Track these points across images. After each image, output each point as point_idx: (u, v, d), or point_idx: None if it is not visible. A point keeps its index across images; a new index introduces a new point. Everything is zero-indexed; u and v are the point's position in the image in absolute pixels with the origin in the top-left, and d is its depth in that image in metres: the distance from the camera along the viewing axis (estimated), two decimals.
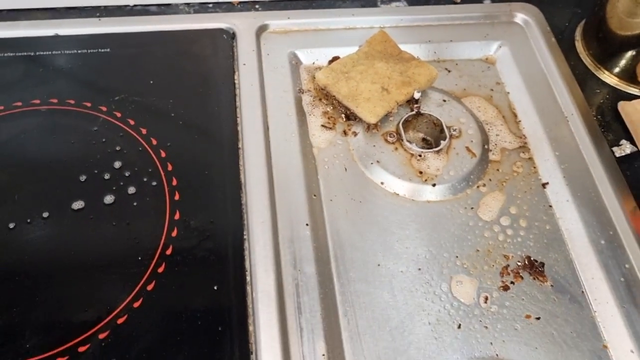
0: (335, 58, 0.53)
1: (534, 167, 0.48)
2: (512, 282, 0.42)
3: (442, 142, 0.48)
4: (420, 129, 0.51)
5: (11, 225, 0.41)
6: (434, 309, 0.41)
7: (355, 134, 0.49)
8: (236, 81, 0.50)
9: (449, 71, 0.54)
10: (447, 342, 0.39)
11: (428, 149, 0.48)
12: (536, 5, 0.57)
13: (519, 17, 0.57)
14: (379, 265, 0.43)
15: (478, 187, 0.47)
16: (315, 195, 0.45)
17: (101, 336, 0.37)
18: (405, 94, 0.49)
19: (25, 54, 0.50)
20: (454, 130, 0.49)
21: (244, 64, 0.51)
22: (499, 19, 0.57)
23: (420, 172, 0.47)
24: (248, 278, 0.40)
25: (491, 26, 0.56)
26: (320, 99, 0.51)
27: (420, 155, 0.47)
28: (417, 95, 0.50)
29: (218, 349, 0.37)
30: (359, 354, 0.39)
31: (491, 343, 0.40)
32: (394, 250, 0.43)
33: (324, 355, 0.38)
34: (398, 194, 0.46)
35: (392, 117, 0.50)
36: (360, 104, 0.48)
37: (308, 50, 0.54)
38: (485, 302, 0.41)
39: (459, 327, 0.40)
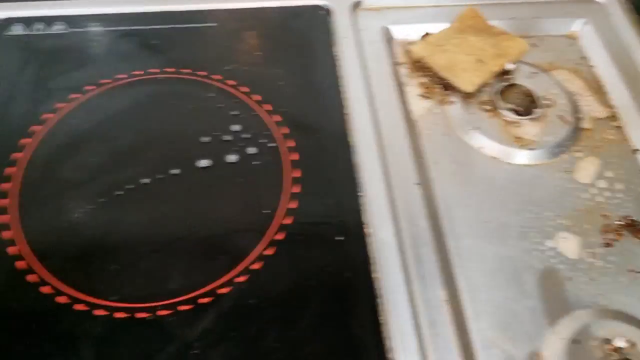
0: (427, 34, 0.56)
1: (625, 135, 0.50)
2: (614, 239, 0.44)
3: (535, 110, 0.50)
4: (511, 100, 0.53)
5: (145, 181, 0.44)
6: (542, 262, 0.43)
7: (451, 103, 0.51)
8: (336, 53, 0.53)
9: (535, 46, 0.56)
10: (556, 293, 0.41)
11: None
12: None
13: None
14: (485, 222, 0.45)
15: (573, 152, 0.49)
16: (421, 158, 0.48)
17: (239, 280, 0.40)
18: (499, 65, 0.52)
19: (138, 27, 0.53)
20: (546, 100, 0.51)
21: (344, 37, 0.54)
22: None
23: (517, 138, 0.49)
24: (367, 230, 0.43)
25: (574, 4, 0.59)
26: (415, 71, 0.54)
27: (516, 123, 0.50)
28: (510, 67, 0.52)
29: (347, 294, 0.39)
30: (477, 302, 0.41)
31: (600, 294, 0.42)
32: (498, 209, 0.45)
33: (446, 301, 0.40)
34: (497, 158, 0.49)
35: (487, 88, 0.52)
36: (457, 74, 0.51)
37: (400, 26, 0.56)
38: (591, 258, 0.44)
39: (568, 279, 0.42)
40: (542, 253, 0.43)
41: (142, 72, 0.51)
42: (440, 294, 0.41)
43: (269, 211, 0.43)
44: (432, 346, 0.38)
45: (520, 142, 0.49)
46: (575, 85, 0.54)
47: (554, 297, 0.41)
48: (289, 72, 0.51)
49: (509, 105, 0.53)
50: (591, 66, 0.56)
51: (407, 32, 0.56)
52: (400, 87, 0.52)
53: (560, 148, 0.49)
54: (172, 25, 0.54)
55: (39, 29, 0.53)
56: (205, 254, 0.41)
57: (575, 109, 0.51)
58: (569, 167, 0.48)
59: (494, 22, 0.56)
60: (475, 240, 0.44)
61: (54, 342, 0.37)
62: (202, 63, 0.51)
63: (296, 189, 0.44)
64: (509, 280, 0.42)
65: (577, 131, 0.50)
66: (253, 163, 0.45)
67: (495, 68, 0.51)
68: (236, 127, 0.47)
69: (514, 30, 0.57)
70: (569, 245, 0.44)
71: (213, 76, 0.50)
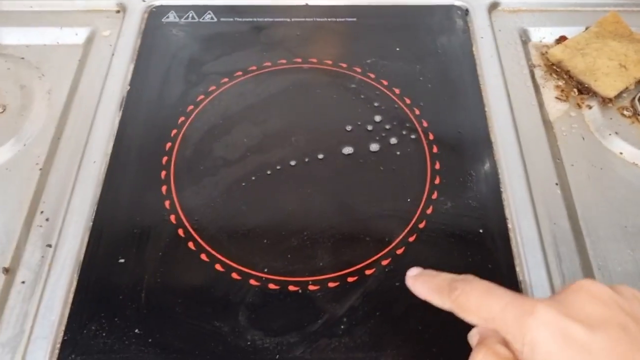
0: (563, 37, 0.56)
1: None
2: None
3: None
4: None
5: (292, 163, 0.46)
6: None
7: (589, 107, 0.51)
8: (475, 52, 0.54)
9: None
10: None
11: None
12: None
13: None
14: (625, 227, 0.45)
15: None
16: (558, 160, 0.48)
17: (384, 263, 0.41)
18: None
19: (282, 19, 0.56)
20: None
21: (482, 37, 0.54)
22: None
23: None
24: (510, 225, 0.43)
25: None
26: (551, 74, 0.54)
27: None
28: None
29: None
30: None
31: None
32: (638, 215, 0.45)
33: None
34: (637, 164, 0.48)
35: (626, 94, 0.52)
36: (598, 78, 0.51)
37: (536, 29, 0.57)
38: None
39: None
40: None
41: (286, 61, 0.53)
42: None
43: (411, 200, 0.44)
44: None
45: None
46: None
47: None
48: (427, 68, 0.52)
49: None
50: None
51: (543, 34, 0.57)
52: (536, 88, 0.52)
53: None
54: (314, 19, 0.56)
55: (190, 17, 0.57)
56: (352, 236, 0.43)
57: None
58: None
59: (635, 29, 0.55)
60: (615, 243, 0.44)
61: (212, 305, 0.40)
62: (343, 55, 0.53)
63: (437, 181, 0.45)
64: None
65: None
66: (395, 153, 0.47)
67: (639, 74, 0.51)
68: (378, 118, 0.49)
69: None
70: None
71: (354, 68, 0.52)
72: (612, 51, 0.52)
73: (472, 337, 0.31)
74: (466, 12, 0.57)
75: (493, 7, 0.58)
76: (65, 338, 0.38)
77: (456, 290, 0.30)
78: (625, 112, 0.50)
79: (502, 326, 0.28)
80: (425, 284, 0.33)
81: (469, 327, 0.31)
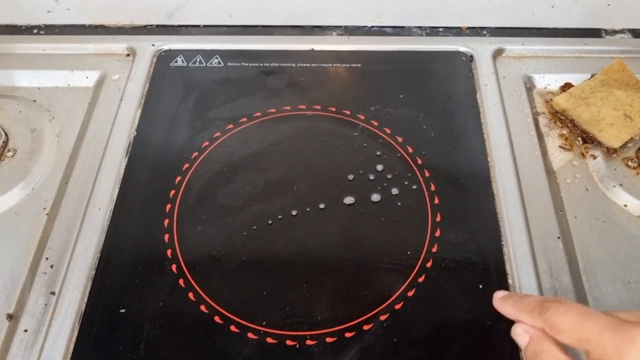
0: (568, 84, 0.56)
1: None
2: None
3: None
4: None
5: (294, 212, 0.47)
6: None
7: (593, 157, 0.51)
8: (479, 100, 0.54)
9: None
10: None
11: None
12: None
13: None
14: (629, 283, 0.44)
15: None
16: (561, 211, 0.48)
17: (382, 318, 0.41)
18: None
19: (288, 64, 0.57)
20: None
21: (486, 85, 0.55)
22: None
23: None
24: (510, 281, 0.43)
25: None
26: (555, 122, 0.54)
27: None
28: None
29: (489, 344, 0.40)
30: None
31: None
32: None
33: None
34: None
35: (630, 144, 0.51)
36: (603, 129, 0.51)
37: (541, 76, 0.57)
38: None
39: None
40: None
41: (290, 108, 0.54)
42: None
43: (411, 253, 0.44)
44: None
45: None
46: None
47: None
48: (431, 116, 0.53)
49: None
50: None
51: (548, 81, 0.57)
52: (540, 137, 0.52)
53: None
54: (319, 64, 0.57)
55: (198, 61, 0.58)
56: (351, 289, 0.43)
57: None
58: None
59: None
60: (617, 300, 0.43)
61: (210, 358, 0.40)
62: (346, 102, 0.54)
63: (438, 233, 0.45)
64: None
65: None
66: (396, 203, 0.47)
67: None
68: (380, 167, 0.49)
69: None
70: None
71: (358, 115, 0.53)
72: (617, 101, 0.52)
73: (519, 335, 0.34)
74: (471, 58, 0.57)
75: (498, 53, 0.58)
76: None
77: (549, 311, 0.32)
78: (630, 163, 0.50)
79: (597, 349, 0.29)
80: (514, 305, 0.35)
81: None
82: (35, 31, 0.63)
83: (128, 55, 0.59)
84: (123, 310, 0.42)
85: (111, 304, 0.42)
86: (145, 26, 0.63)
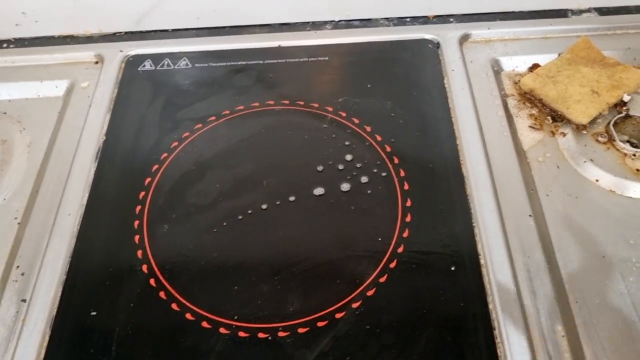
0: (536, 65, 0.56)
1: None
2: None
3: None
4: (626, 131, 0.52)
5: (264, 206, 0.47)
6: None
7: (563, 134, 0.51)
8: (446, 85, 0.54)
9: None
10: None
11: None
12: None
13: None
14: (603, 257, 0.44)
15: None
16: (532, 190, 0.47)
17: (354, 305, 0.41)
18: (616, 96, 0.51)
19: (255, 62, 0.57)
20: None
21: (453, 70, 0.54)
22: None
23: (637, 170, 0.47)
24: (482, 261, 0.43)
25: None
26: (524, 102, 0.54)
27: (634, 155, 0.48)
28: (626, 98, 0.51)
29: (462, 325, 0.40)
30: (594, 339, 0.40)
31: None
32: (615, 244, 0.44)
33: (563, 336, 0.40)
34: (614, 192, 0.47)
35: (600, 119, 0.51)
36: (571, 106, 0.50)
37: (508, 58, 0.57)
38: None
39: None
40: None
41: (259, 104, 0.54)
42: (557, 328, 0.40)
43: (382, 239, 0.44)
44: None
45: (639, 175, 0.47)
46: None
47: None
48: (399, 104, 0.52)
49: (624, 137, 0.52)
50: None
51: (515, 63, 0.57)
52: (509, 118, 0.52)
53: None
54: (286, 60, 0.57)
55: (166, 64, 0.58)
56: (322, 279, 0.42)
57: None
58: None
59: (606, 53, 0.55)
60: (592, 275, 0.43)
61: (182, 355, 0.40)
62: (314, 95, 0.54)
63: (408, 218, 0.45)
64: (629, 318, 0.40)
65: None
66: (366, 192, 0.47)
67: (612, 100, 0.50)
68: (349, 157, 0.49)
69: (628, 60, 0.56)
70: None
71: (326, 107, 0.53)
72: (584, 77, 0.52)
73: None
74: (437, 45, 0.57)
75: (464, 39, 0.58)
76: None
77: None
78: (600, 139, 0.50)
79: None
80: None
81: None
82: (5, 45, 0.63)
83: (97, 62, 0.60)
84: (94, 313, 0.42)
85: (82, 307, 0.42)
86: (114, 34, 0.63)
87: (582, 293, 0.42)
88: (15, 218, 0.48)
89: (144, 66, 0.58)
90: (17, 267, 0.45)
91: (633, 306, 0.41)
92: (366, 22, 0.62)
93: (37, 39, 0.63)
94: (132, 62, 0.58)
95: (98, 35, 0.63)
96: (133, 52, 0.59)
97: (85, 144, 0.52)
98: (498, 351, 0.38)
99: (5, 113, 0.57)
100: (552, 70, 0.53)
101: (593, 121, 0.51)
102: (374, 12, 0.61)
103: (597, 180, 0.48)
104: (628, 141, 0.52)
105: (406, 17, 0.62)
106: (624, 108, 0.51)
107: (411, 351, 0.39)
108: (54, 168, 0.51)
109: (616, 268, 0.43)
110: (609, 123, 0.50)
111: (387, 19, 0.62)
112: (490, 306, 0.41)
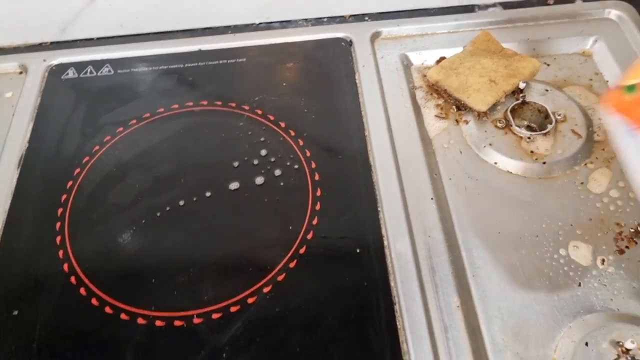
0: (442, 58, 0.59)
1: None
2: (626, 247, 0.46)
3: (548, 126, 0.52)
4: (525, 116, 0.56)
5: (181, 203, 0.49)
6: (554, 270, 0.45)
7: (466, 122, 0.54)
8: (357, 81, 0.57)
9: (548, 65, 0.59)
10: (568, 298, 0.43)
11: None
12: (628, 1, 0.61)
13: (613, 14, 0.61)
14: (499, 233, 0.47)
15: (586, 164, 0.51)
16: (436, 175, 0.51)
17: (265, 290, 0.43)
18: (512, 84, 0.55)
19: (176, 66, 0.59)
20: (559, 115, 0.53)
21: (363, 66, 0.58)
22: (592, 16, 0.62)
23: (531, 152, 0.51)
24: (385, 242, 0.46)
25: (585, 23, 0.61)
26: (431, 94, 0.57)
27: (529, 138, 0.52)
28: (522, 86, 0.55)
29: (365, 302, 0.43)
30: (489, 307, 0.43)
31: (611, 299, 0.43)
32: (512, 221, 0.48)
33: (458, 307, 0.43)
34: (511, 172, 0.51)
35: (500, 106, 0.55)
36: (471, 95, 0.54)
37: (417, 53, 0.60)
38: (602, 264, 0.45)
39: (579, 285, 0.44)
40: (554, 261, 0.45)
41: (178, 106, 0.56)
42: (453, 300, 0.43)
43: (292, 227, 0.47)
44: (446, 349, 0.41)
45: (534, 157, 0.51)
46: (590, 100, 0.56)
47: (566, 303, 0.43)
48: (313, 100, 0.55)
49: (524, 122, 0.55)
50: (607, 81, 0.58)
51: (424, 57, 0.60)
52: (417, 109, 0.56)
53: (573, 161, 0.51)
54: (206, 62, 0.59)
55: (89, 71, 0.60)
56: (235, 267, 0.45)
57: (589, 123, 0.53)
58: (582, 179, 0.50)
59: (507, 45, 0.59)
60: (489, 250, 0.46)
61: (101, 347, 0.42)
62: (232, 95, 0.56)
63: (318, 207, 0.48)
64: (521, 287, 0.44)
65: (590, 144, 0.52)
66: (279, 184, 0.49)
67: (508, 87, 0.54)
68: (264, 152, 0.51)
69: (528, 51, 0.60)
70: (581, 252, 0.46)
71: (243, 106, 0.55)
72: (483, 68, 0.55)
73: None
74: (350, 43, 0.60)
75: (375, 36, 0.61)
76: None
77: None
78: (498, 124, 0.53)
79: None
80: None
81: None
82: None
83: (21, 72, 0.61)
84: (16, 313, 0.43)
85: (4, 307, 0.44)
86: (40, 44, 0.64)
87: (478, 267, 0.45)
88: None
89: (67, 74, 0.59)
90: None
91: (525, 276, 0.44)
92: (286, 24, 0.65)
93: None
94: (56, 71, 0.60)
95: (24, 46, 0.64)
96: (56, 61, 0.60)
97: (8, 152, 0.53)
98: (397, 324, 0.41)
99: None
100: (455, 63, 0.57)
101: (493, 108, 0.54)
102: (292, 14, 0.64)
103: (495, 163, 0.51)
104: (528, 125, 0.56)
105: (323, 18, 0.65)
106: (521, 95, 0.55)
107: (318, 330, 0.42)
108: None
109: (511, 243, 0.47)
110: (507, 109, 0.54)
111: (305, 19, 0.65)
112: (392, 284, 0.44)
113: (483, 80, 0.54)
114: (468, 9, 0.64)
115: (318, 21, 0.65)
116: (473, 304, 0.43)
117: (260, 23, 0.65)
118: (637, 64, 0.34)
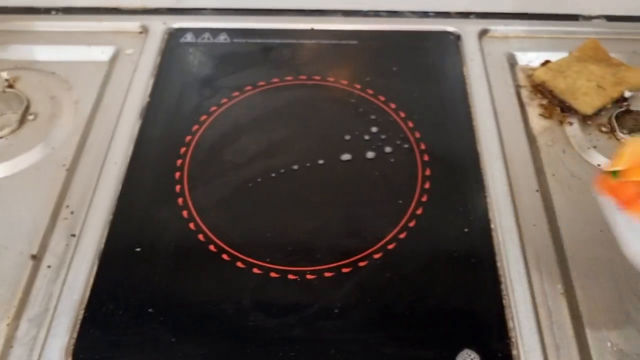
0: (547, 61, 0.61)
1: None
2: None
3: None
4: (626, 125, 0.57)
5: (295, 167, 0.51)
6: None
7: (570, 123, 0.56)
8: (465, 73, 0.59)
9: None
10: None
11: None
12: None
13: None
14: (601, 230, 0.48)
15: None
16: (540, 169, 0.52)
17: (376, 256, 0.45)
18: (619, 91, 0.56)
19: (289, 41, 0.62)
20: None
21: (472, 60, 0.59)
22: None
23: None
24: (492, 225, 0.47)
25: None
26: (536, 94, 0.59)
27: None
28: (628, 94, 0.56)
29: (472, 279, 0.44)
30: (590, 299, 0.44)
31: None
32: None
33: (562, 294, 0.44)
34: None
35: (604, 112, 0.56)
36: (578, 98, 0.55)
37: (523, 53, 0.62)
38: None
39: None
40: None
41: (292, 78, 0.58)
42: (557, 287, 0.45)
43: (403, 201, 0.49)
44: (551, 331, 0.42)
45: None
46: None
47: None
48: (422, 86, 0.57)
49: (624, 131, 0.56)
50: None
51: (529, 58, 0.62)
52: (521, 106, 0.57)
53: None
54: (318, 41, 0.62)
55: (206, 38, 0.63)
56: (347, 232, 0.47)
57: None
58: None
59: (614, 55, 0.60)
60: (591, 245, 0.47)
61: (218, 289, 0.44)
62: (344, 73, 0.58)
63: (427, 185, 0.50)
64: (622, 283, 0.45)
65: None
66: (389, 160, 0.51)
67: (615, 94, 0.55)
68: (374, 129, 0.54)
69: (634, 62, 0.61)
70: None
71: (354, 85, 0.57)
72: (591, 73, 0.57)
73: None
74: (458, 37, 0.62)
75: (483, 33, 0.63)
76: (86, 315, 0.42)
77: None
78: (603, 129, 0.55)
79: None
80: None
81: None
82: (53, 12, 0.67)
83: (141, 32, 0.64)
84: (139, 249, 0.46)
85: (128, 243, 0.46)
86: (156, 9, 0.68)
87: (581, 259, 0.46)
88: (64, 165, 0.52)
89: (186, 38, 0.62)
90: (67, 206, 0.49)
91: (626, 274, 0.46)
92: (392, 14, 0.67)
93: (83, 9, 0.68)
94: (175, 34, 0.63)
95: (141, 9, 0.67)
96: (176, 25, 0.64)
97: (130, 103, 0.56)
98: (504, 301, 0.43)
99: (53, 73, 0.61)
100: (562, 66, 0.58)
101: (597, 113, 0.56)
102: (401, 5, 0.66)
103: (599, 165, 0.53)
104: (628, 134, 0.57)
105: (430, 12, 0.67)
106: (625, 103, 0.56)
107: (425, 298, 0.43)
108: (100, 123, 0.55)
109: (611, 241, 0.48)
110: (611, 115, 0.55)
111: (412, 12, 0.67)
112: (498, 264, 0.45)
113: (590, 85, 0.56)
114: (571, 17, 0.66)
115: (424, 14, 0.67)
116: (575, 293, 0.44)
117: (369, 10, 0.67)
118: (621, 152, 0.37)
